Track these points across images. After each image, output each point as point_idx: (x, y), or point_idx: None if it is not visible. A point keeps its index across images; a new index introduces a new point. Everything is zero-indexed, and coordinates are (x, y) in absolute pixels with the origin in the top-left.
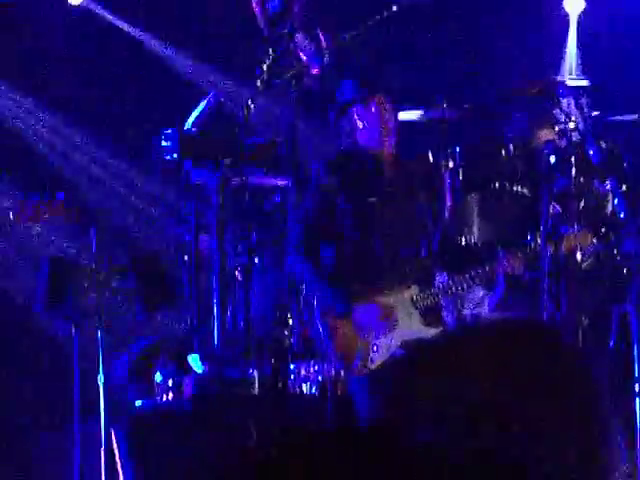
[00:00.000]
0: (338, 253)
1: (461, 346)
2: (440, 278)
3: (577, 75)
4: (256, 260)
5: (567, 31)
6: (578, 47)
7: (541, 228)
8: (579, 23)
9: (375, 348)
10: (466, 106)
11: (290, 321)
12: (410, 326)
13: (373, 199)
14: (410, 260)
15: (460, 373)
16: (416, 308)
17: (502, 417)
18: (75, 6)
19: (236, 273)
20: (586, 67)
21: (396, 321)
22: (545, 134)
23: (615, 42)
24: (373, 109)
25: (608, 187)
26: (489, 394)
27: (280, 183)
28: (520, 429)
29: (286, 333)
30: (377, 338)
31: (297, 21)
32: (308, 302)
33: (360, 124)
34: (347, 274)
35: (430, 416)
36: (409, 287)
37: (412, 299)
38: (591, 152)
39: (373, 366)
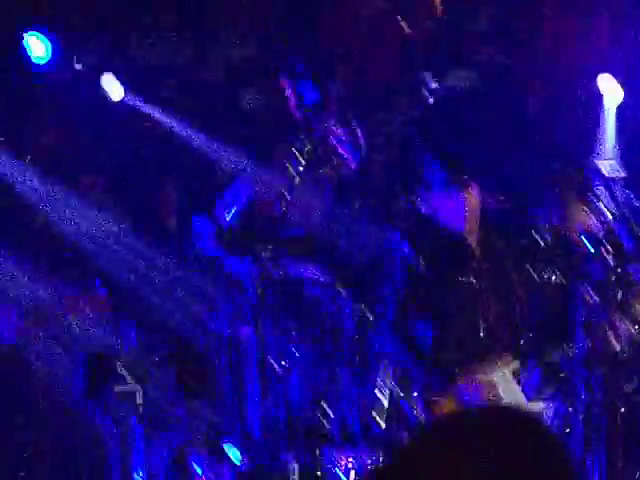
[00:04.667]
0: (440, 332)
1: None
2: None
3: (615, 165)
4: (295, 351)
5: (605, 121)
6: (616, 138)
7: (577, 317)
8: (618, 113)
9: None
10: (501, 198)
11: (329, 410)
12: (514, 401)
13: (470, 279)
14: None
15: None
16: (518, 383)
17: None
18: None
19: (275, 365)
20: (625, 157)
21: (499, 398)
22: (582, 221)
23: None
24: (460, 196)
25: None
26: None
27: (319, 276)
28: None
29: (324, 422)
30: None
31: (333, 113)
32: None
33: (444, 210)
34: (449, 354)
35: None
36: (510, 362)
37: (514, 373)
38: (626, 241)
39: None
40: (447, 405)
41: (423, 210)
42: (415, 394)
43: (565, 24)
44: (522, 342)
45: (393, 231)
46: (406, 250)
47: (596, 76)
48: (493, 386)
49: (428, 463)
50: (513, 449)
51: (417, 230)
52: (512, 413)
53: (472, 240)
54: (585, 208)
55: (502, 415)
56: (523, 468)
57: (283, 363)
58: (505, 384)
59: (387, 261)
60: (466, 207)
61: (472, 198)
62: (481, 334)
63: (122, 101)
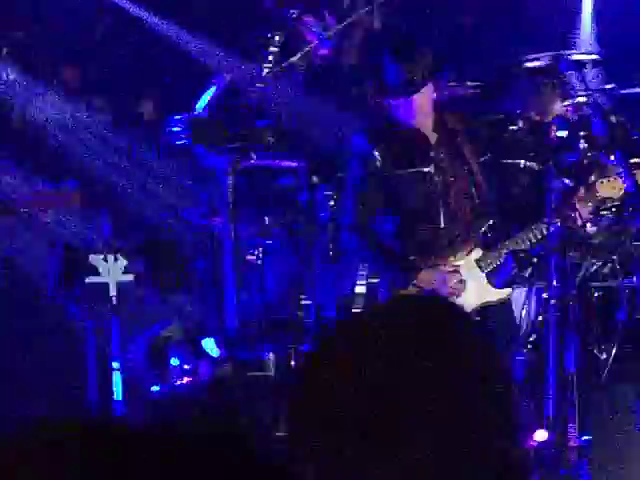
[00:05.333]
0: (401, 224)
1: (356, 335)
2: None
3: (591, 47)
4: (269, 242)
5: (581, 3)
6: (593, 20)
7: (547, 201)
8: None
9: None
10: (469, 83)
11: (305, 302)
12: (477, 288)
13: (429, 169)
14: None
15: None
16: (481, 270)
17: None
18: None
19: (249, 256)
20: (602, 39)
21: (462, 284)
22: (556, 108)
23: (632, 13)
24: (415, 104)
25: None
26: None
27: (291, 165)
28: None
29: (301, 314)
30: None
31: (304, 2)
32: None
33: (400, 110)
34: (411, 245)
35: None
36: (472, 250)
37: (476, 261)
38: (596, 125)
39: None
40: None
41: (382, 109)
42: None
43: None
44: (485, 229)
45: (354, 130)
46: (365, 147)
47: None
48: (457, 274)
49: (333, 365)
50: (423, 342)
51: (375, 128)
52: (425, 303)
53: (427, 132)
54: (558, 95)
55: (413, 306)
56: (440, 362)
57: (257, 253)
58: (468, 271)
59: (347, 159)
60: (414, 103)
61: (421, 95)
62: (442, 224)
63: None
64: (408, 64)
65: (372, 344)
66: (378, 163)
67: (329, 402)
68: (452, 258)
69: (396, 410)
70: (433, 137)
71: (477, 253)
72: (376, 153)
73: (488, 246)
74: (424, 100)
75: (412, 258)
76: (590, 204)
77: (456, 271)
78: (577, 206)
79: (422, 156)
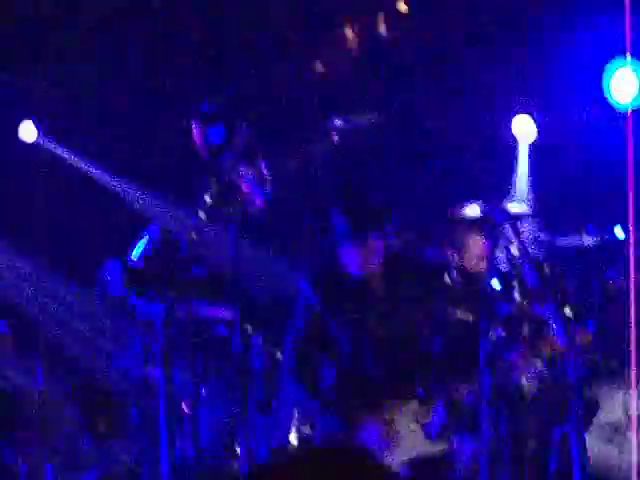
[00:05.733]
0: (337, 373)
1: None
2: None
3: (527, 199)
4: (204, 391)
5: (517, 158)
6: (529, 171)
7: (482, 353)
8: (530, 151)
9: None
10: (400, 235)
11: (238, 450)
12: (414, 442)
13: (370, 318)
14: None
15: None
16: (417, 423)
17: None
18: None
19: (183, 405)
20: (536, 191)
21: (399, 438)
22: (487, 260)
23: (565, 167)
24: (361, 254)
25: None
26: None
27: (225, 314)
28: None
29: (234, 462)
30: (381, 457)
31: (239, 152)
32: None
33: (347, 259)
34: (345, 394)
35: None
36: (408, 402)
37: (413, 414)
38: (529, 276)
39: None
40: None
41: (328, 256)
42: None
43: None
44: (424, 382)
45: (300, 276)
46: (309, 293)
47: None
48: (393, 426)
49: None
50: None
51: (322, 275)
52: (344, 454)
53: (374, 282)
54: (491, 247)
55: (332, 456)
56: None
57: (192, 403)
58: (405, 424)
59: (294, 304)
60: (360, 252)
61: (367, 245)
62: (379, 374)
63: (36, 143)
64: (356, 215)
65: None
66: (319, 309)
67: None
68: (390, 410)
69: None
70: (377, 286)
71: (413, 405)
72: (317, 298)
73: (424, 398)
74: (370, 250)
75: (349, 406)
76: (530, 360)
77: (392, 426)
78: (516, 359)
79: (364, 304)
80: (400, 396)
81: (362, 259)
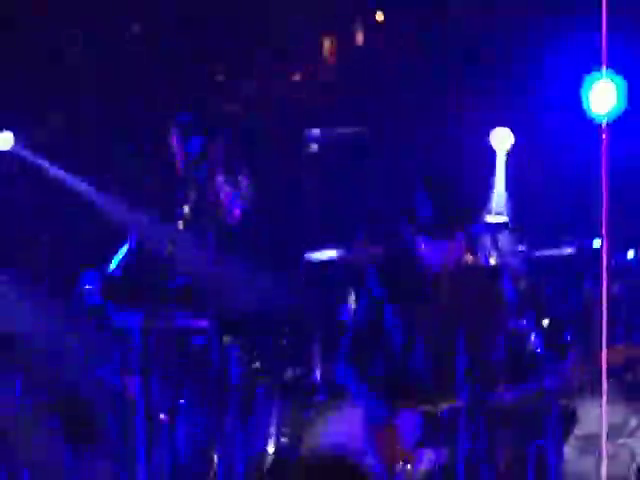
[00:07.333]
0: (386, 364)
1: None
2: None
3: (504, 211)
4: (182, 401)
5: (495, 170)
6: (506, 182)
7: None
8: (507, 159)
9: (419, 459)
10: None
11: (216, 460)
12: None
13: (433, 312)
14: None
15: None
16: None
17: None
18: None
19: (161, 416)
20: (514, 202)
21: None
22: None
23: (543, 178)
24: (445, 250)
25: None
26: None
27: (202, 325)
28: None
29: (212, 473)
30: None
31: (217, 163)
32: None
33: (424, 250)
34: (392, 385)
35: None
36: (454, 397)
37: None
38: (506, 288)
39: (418, 478)
40: (387, 436)
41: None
42: None
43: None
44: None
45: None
46: (374, 281)
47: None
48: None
49: None
50: None
51: (390, 261)
52: (331, 463)
53: (444, 281)
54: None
55: (320, 465)
56: None
57: (169, 413)
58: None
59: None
60: (445, 249)
61: (452, 242)
62: (431, 368)
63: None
64: (446, 208)
65: None
66: (380, 299)
67: None
68: (436, 405)
69: None
70: (445, 285)
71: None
72: (382, 287)
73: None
74: (453, 247)
75: (395, 400)
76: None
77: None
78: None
79: (429, 301)
80: (443, 396)
81: (444, 255)
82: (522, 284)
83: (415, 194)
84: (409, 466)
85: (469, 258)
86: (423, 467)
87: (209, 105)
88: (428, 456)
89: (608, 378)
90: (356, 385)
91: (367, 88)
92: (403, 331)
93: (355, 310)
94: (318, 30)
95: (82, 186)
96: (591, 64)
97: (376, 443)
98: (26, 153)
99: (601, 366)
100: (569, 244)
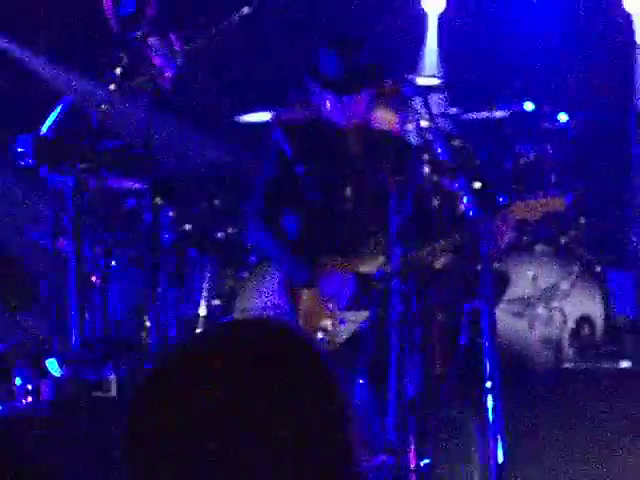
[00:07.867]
0: (304, 223)
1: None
2: None
3: (436, 73)
4: (113, 263)
5: (426, 30)
6: (438, 46)
7: (391, 227)
8: (439, 22)
9: (342, 321)
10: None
11: (148, 323)
12: None
13: (343, 172)
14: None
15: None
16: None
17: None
18: None
19: (93, 278)
20: (446, 65)
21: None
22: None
23: (475, 41)
24: (349, 106)
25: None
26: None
27: (136, 186)
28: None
29: (144, 335)
30: (344, 310)
31: (150, 24)
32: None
33: (330, 106)
34: (314, 245)
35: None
36: (378, 257)
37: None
38: (439, 150)
39: (340, 340)
40: (308, 298)
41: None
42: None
43: None
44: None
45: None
46: (282, 140)
47: None
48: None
49: (172, 384)
50: (259, 362)
51: (294, 121)
52: (261, 325)
53: (353, 138)
54: (401, 120)
55: (249, 328)
56: (275, 383)
57: (102, 276)
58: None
59: (265, 149)
60: (350, 104)
61: (358, 98)
62: (349, 228)
63: None
64: (351, 61)
65: (210, 364)
66: (290, 159)
67: (167, 421)
68: (358, 263)
69: (234, 429)
70: (355, 144)
71: (383, 261)
72: (290, 148)
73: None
74: (359, 103)
75: (314, 257)
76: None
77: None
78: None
79: (338, 158)
80: (364, 251)
81: (349, 112)
82: (455, 145)
83: (319, 50)
84: (330, 328)
85: (390, 118)
86: (346, 329)
87: None
88: (352, 318)
89: (540, 241)
90: (270, 244)
91: None
92: (315, 187)
93: (263, 168)
94: None
95: (13, 47)
96: None
97: (296, 305)
98: None
99: (518, 222)
100: (501, 106)
